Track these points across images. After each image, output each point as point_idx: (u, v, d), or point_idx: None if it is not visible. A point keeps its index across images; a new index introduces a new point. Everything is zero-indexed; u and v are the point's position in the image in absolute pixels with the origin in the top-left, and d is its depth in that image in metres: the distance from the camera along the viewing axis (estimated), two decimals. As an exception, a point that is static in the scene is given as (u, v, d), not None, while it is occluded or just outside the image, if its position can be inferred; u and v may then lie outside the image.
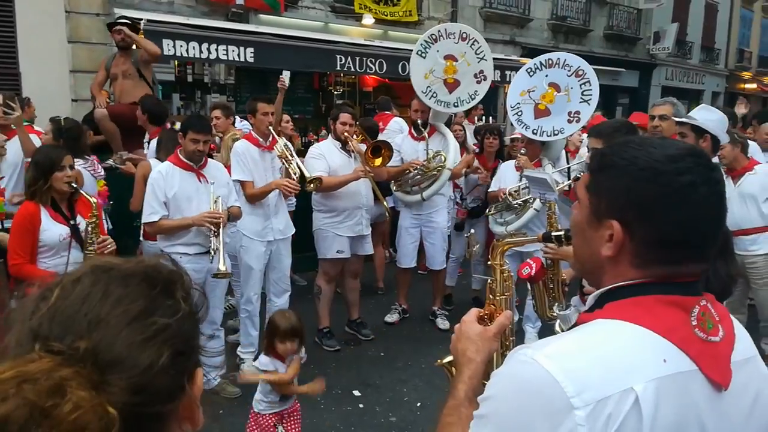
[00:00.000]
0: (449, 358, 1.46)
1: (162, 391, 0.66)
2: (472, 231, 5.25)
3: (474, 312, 1.35)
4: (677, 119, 3.82)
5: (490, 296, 1.46)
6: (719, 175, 0.97)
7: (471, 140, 6.67)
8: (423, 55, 5.26)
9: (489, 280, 1.49)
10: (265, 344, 3.11)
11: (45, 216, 3.22)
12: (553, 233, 1.42)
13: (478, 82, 5.33)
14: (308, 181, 4.36)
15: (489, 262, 1.53)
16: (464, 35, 5.24)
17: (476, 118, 8.69)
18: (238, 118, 6.45)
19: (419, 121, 5.27)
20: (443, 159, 5.19)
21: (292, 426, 3.12)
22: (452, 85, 5.28)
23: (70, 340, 0.63)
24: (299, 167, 4.37)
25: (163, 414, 0.67)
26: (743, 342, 1.02)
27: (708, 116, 3.76)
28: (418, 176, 5.22)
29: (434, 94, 5.25)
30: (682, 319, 0.94)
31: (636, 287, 0.97)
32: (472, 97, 5.35)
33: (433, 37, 5.24)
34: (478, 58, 5.29)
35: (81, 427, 0.59)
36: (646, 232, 0.95)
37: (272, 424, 3.03)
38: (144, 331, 0.66)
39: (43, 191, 3.21)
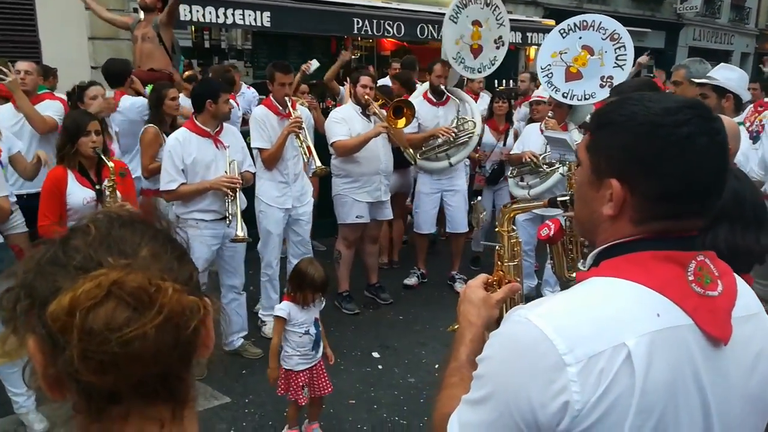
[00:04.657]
0: None
1: (197, 307, 0.70)
2: (479, 198, 5.25)
3: (481, 278, 1.36)
4: (697, 80, 3.73)
5: (498, 263, 1.45)
6: (719, 125, 0.95)
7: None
8: (455, 20, 5.25)
9: (497, 247, 1.47)
10: (289, 289, 3.15)
11: (71, 180, 3.30)
12: (559, 198, 1.40)
13: (497, 48, 5.38)
14: (318, 167, 4.31)
15: (497, 229, 1.51)
16: (488, 1, 5.26)
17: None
18: (244, 85, 6.40)
19: (442, 87, 5.25)
20: (474, 125, 5.23)
21: (321, 382, 3.22)
22: (476, 51, 5.33)
23: (125, 256, 0.67)
24: (310, 150, 4.30)
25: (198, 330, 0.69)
26: (746, 298, 1.01)
27: (729, 75, 3.68)
28: (444, 144, 5.22)
29: (462, 60, 5.30)
30: (678, 274, 0.93)
31: (631, 244, 0.97)
32: (492, 62, 5.42)
33: (463, 2, 5.24)
34: (498, 23, 5.33)
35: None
36: (646, 186, 0.94)
37: (300, 385, 3.12)
38: (177, 251, 0.73)
39: (70, 155, 3.29)
